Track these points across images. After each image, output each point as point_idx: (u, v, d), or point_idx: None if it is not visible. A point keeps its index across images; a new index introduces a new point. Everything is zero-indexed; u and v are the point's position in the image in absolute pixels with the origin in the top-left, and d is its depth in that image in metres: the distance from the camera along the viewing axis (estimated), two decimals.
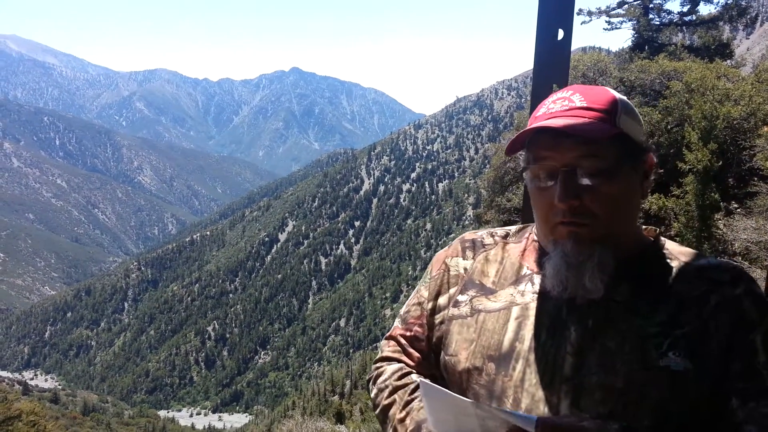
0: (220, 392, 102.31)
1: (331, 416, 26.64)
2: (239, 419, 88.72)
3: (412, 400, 1.10)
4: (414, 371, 1.16)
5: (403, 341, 1.20)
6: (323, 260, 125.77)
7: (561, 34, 1.34)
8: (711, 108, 11.12)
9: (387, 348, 1.23)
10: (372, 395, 1.18)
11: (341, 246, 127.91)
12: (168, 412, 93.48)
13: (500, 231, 1.23)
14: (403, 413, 1.09)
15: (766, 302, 1.00)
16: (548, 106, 1.04)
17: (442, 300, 1.17)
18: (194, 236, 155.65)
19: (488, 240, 1.21)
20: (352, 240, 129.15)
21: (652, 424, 0.93)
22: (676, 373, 0.94)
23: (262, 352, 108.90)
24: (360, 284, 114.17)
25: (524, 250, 1.15)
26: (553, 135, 0.98)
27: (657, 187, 12.71)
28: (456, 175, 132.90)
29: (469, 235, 1.25)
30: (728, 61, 17.30)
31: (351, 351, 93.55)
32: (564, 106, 1.01)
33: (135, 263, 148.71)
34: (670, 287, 1.01)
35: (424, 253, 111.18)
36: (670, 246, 1.10)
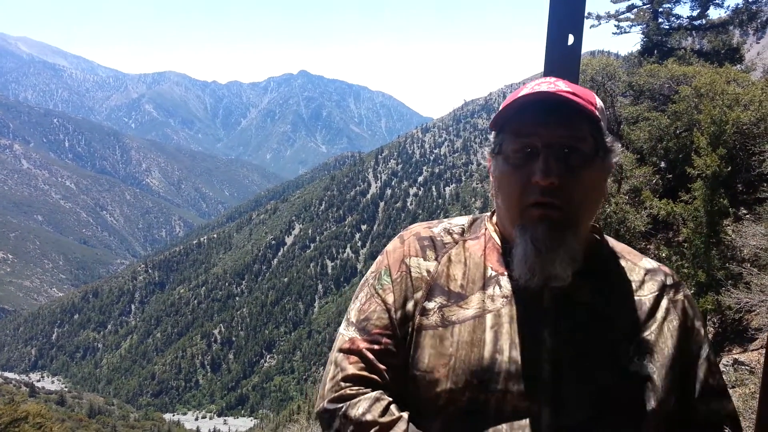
0: (226, 396, 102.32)
1: None
2: (244, 423, 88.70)
3: None
4: (391, 400, 1.01)
5: (370, 356, 1.04)
6: (329, 264, 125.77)
7: (571, 39, 1.34)
8: (720, 113, 11.01)
9: (350, 365, 1.04)
10: (348, 431, 0.99)
11: (348, 249, 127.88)
12: (173, 416, 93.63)
13: (455, 225, 1.17)
14: None
15: (698, 308, 1.06)
16: (532, 87, 1.01)
17: (409, 306, 1.07)
18: (201, 239, 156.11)
19: (447, 238, 1.14)
20: (359, 244, 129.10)
21: (631, 430, 0.94)
22: (644, 377, 0.95)
23: (268, 356, 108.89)
24: None
25: (484, 248, 1.10)
26: (541, 110, 0.97)
27: (666, 192, 12.60)
28: (463, 179, 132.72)
29: (423, 231, 1.17)
30: (738, 65, 17.16)
31: None
32: (551, 88, 0.99)
33: (142, 265, 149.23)
34: (625, 289, 1.03)
35: None
36: (613, 243, 1.10)
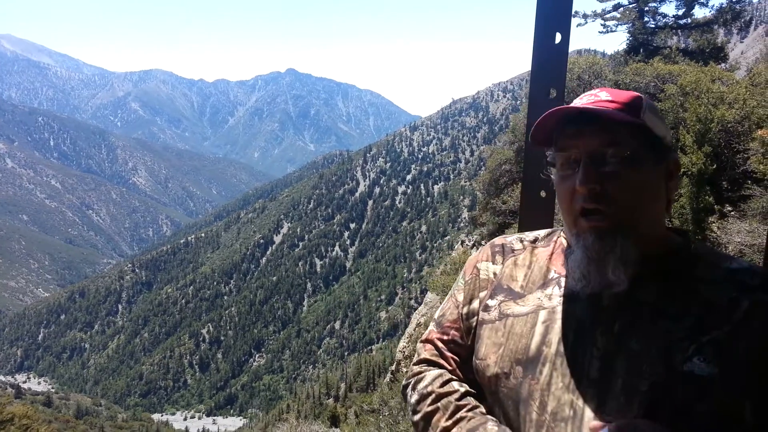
0: (215, 395, 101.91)
1: (325, 419, 26.52)
2: (233, 422, 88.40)
3: (459, 409, 1.09)
4: (454, 378, 1.16)
5: (440, 345, 1.21)
6: (318, 262, 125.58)
7: (558, 37, 1.35)
8: (705, 111, 11.12)
9: (425, 351, 1.23)
10: (412, 401, 1.16)
11: (336, 248, 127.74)
12: (162, 416, 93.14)
13: (530, 236, 1.25)
14: (449, 422, 1.08)
15: None
16: (575, 103, 1.07)
17: (475, 304, 1.19)
18: (189, 238, 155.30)
19: (517, 245, 1.24)
20: (348, 242, 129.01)
21: (677, 429, 0.92)
22: (700, 378, 0.93)
23: (257, 355, 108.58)
24: (355, 286, 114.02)
25: (552, 253, 1.17)
26: (576, 123, 1.02)
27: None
28: (451, 177, 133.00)
29: (498, 240, 1.28)
30: (723, 64, 17.34)
31: (346, 354, 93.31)
32: (591, 101, 1.04)
33: (129, 265, 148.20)
34: (699, 290, 1.00)
35: (420, 256, 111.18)
36: (699, 247, 1.09)
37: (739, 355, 0.94)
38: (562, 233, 1.20)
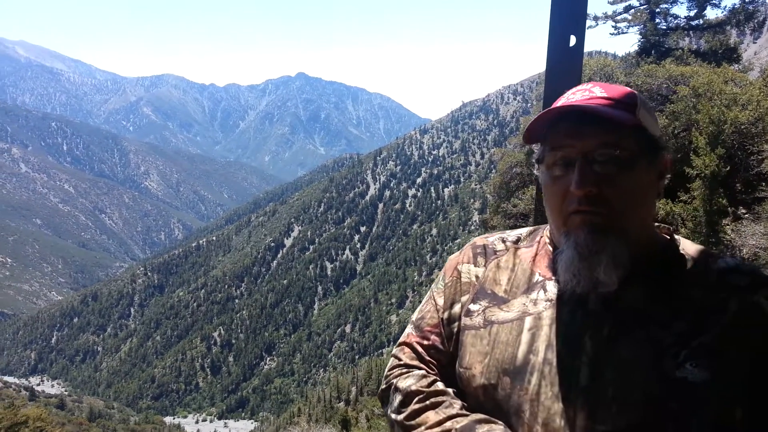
0: (226, 398, 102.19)
1: (336, 423, 26.48)
2: (245, 426, 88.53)
3: (451, 407, 1.05)
4: (438, 379, 1.11)
5: (420, 349, 1.16)
6: (329, 266, 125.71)
7: (573, 40, 1.33)
8: (718, 113, 11.03)
9: (403, 355, 1.17)
10: (396, 402, 1.10)
11: (347, 251, 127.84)
12: (174, 419, 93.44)
13: (512, 235, 1.21)
14: (442, 416, 1.04)
15: None
16: (568, 97, 1.04)
17: (456, 309, 1.15)
18: (200, 241, 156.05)
19: (499, 246, 1.19)
20: (358, 245, 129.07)
21: None
22: (693, 384, 0.90)
23: (268, 358, 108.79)
24: (366, 290, 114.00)
25: (535, 255, 1.14)
26: (574, 121, 0.98)
27: (664, 192, 12.60)
28: (462, 180, 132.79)
29: (480, 240, 1.24)
30: (736, 65, 17.19)
31: (357, 357, 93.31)
32: (585, 96, 1.01)
33: (141, 268, 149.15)
34: (688, 292, 0.98)
35: (430, 259, 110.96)
36: (686, 245, 1.07)
37: (730, 360, 0.92)
38: (545, 232, 1.17)
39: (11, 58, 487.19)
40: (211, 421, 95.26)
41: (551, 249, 1.11)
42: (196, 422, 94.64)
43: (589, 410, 0.94)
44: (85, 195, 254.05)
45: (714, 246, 10.17)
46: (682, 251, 1.05)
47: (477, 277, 1.16)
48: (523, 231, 1.23)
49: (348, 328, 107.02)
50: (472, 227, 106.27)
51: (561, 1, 1.32)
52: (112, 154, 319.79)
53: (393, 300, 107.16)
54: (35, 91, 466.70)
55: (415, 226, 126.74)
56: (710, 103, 11.45)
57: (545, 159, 1.03)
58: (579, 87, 1.06)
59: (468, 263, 1.19)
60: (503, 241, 1.20)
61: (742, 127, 11.35)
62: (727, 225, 10.39)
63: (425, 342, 1.15)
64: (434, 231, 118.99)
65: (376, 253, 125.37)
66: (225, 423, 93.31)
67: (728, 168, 10.79)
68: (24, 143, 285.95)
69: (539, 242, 1.16)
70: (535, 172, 1.09)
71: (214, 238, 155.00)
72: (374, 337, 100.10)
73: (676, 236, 1.09)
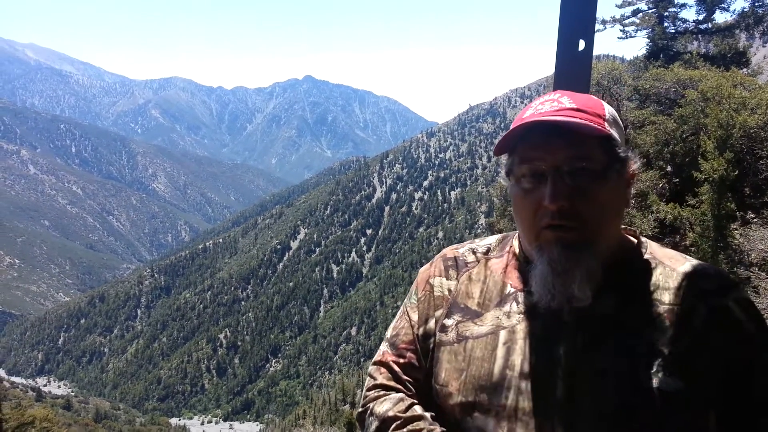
0: (232, 400, 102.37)
1: (342, 426, 26.50)
2: (250, 428, 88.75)
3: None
4: (416, 402, 1.09)
5: (396, 368, 1.14)
6: (335, 268, 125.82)
7: (582, 44, 1.33)
8: (727, 117, 10.97)
9: (380, 375, 1.15)
10: (372, 427, 1.08)
11: (353, 254, 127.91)
12: (179, 420, 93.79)
13: (482, 246, 1.20)
14: None
15: (758, 311, 0.97)
16: (536, 107, 1.02)
17: (431, 324, 1.13)
18: (207, 243, 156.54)
19: (470, 257, 1.18)
20: (364, 248, 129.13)
21: None
22: (667, 393, 0.90)
23: (274, 360, 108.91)
24: (371, 293, 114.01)
25: (506, 265, 1.12)
26: (544, 134, 0.97)
27: (672, 196, 12.56)
28: (468, 183, 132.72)
29: (450, 251, 1.22)
30: (744, 69, 17.10)
31: (362, 360, 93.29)
32: (553, 107, 0.99)
33: (148, 270, 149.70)
34: (656, 299, 0.98)
35: None
36: (654, 249, 1.07)
37: (703, 367, 0.92)
38: (514, 241, 1.15)
39: (21, 61, 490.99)
40: (216, 423, 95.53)
41: (521, 259, 1.10)
42: (202, 424, 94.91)
43: (567, 423, 0.93)
44: (93, 197, 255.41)
45: (722, 251, 10.11)
46: (650, 255, 1.05)
47: (449, 290, 1.14)
48: (493, 240, 1.21)
49: (354, 331, 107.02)
50: (479, 230, 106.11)
51: (570, 6, 1.32)
52: (120, 156, 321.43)
53: (399, 303, 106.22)
54: (44, 94, 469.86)
55: (421, 229, 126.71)
56: (719, 107, 11.40)
57: (515, 171, 1.02)
58: (547, 97, 1.04)
59: (440, 276, 1.17)
60: (473, 252, 1.18)
61: (751, 131, 11.29)
62: (736, 229, 10.33)
63: (401, 360, 1.14)
64: (440, 234, 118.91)
65: (382, 256, 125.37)
66: (230, 425, 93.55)
67: (737, 172, 10.72)
68: (33, 145, 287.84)
69: (509, 252, 1.14)
70: (502, 182, 1.08)
71: (220, 240, 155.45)
72: (380, 340, 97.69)
73: (643, 239, 1.09)
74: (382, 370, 1.15)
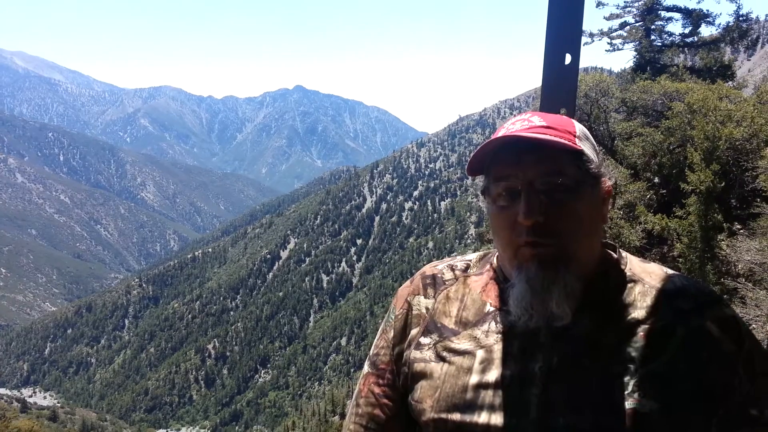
0: (220, 411, 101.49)
1: None
2: None
3: None
4: None
5: (376, 390, 1.15)
6: (325, 278, 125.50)
7: (568, 58, 1.34)
8: (713, 129, 11.13)
9: (361, 399, 1.16)
10: None
11: (343, 264, 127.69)
12: None
13: (461, 263, 1.19)
14: None
15: (738, 327, 0.97)
16: (507, 127, 1.02)
17: (406, 342, 1.13)
18: (196, 253, 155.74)
19: (448, 275, 1.17)
20: (354, 258, 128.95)
21: None
22: (643, 415, 0.89)
23: (263, 371, 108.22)
24: (362, 302, 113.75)
25: (486, 284, 1.11)
26: (515, 151, 0.97)
27: (660, 207, 12.68)
28: (458, 193, 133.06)
29: (429, 269, 1.21)
30: (730, 82, 17.35)
31: (352, 370, 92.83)
32: (524, 126, 1.00)
33: (136, 280, 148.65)
34: (633, 318, 0.98)
35: None
36: (633, 264, 1.06)
37: (679, 388, 0.91)
38: (494, 258, 1.14)
39: (9, 69, 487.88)
40: None
41: (502, 278, 1.09)
42: None
43: None
44: (81, 206, 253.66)
45: (709, 261, 10.21)
46: (629, 271, 1.04)
47: (427, 309, 1.14)
48: (473, 257, 1.21)
49: (344, 341, 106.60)
50: (468, 241, 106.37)
51: (556, 20, 1.33)
52: (108, 165, 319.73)
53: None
54: (33, 102, 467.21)
55: (411, 239, 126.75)
56: (705, 120, 11.55)
57: (490, 191, 1.02)
58: (518, 117, 1.05)
59: (418, 294, 1.17)
60: (452, 270, 1.18)
61: (737, 143, 11.44)
62: (723, 240, 10.44)
63: (380, 381, 1.15)
64: (430, 244, 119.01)
65: (372, 266, 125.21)
66: None
67: (723, 184, 10.86)
68: (20, 153, 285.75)
69: (489, 270, 1.14)
70: (480, 204, 1.27)
71: (210, 249, 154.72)
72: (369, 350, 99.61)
73: (623, 253, 1.08)
74: (364, 393, 1.17)
